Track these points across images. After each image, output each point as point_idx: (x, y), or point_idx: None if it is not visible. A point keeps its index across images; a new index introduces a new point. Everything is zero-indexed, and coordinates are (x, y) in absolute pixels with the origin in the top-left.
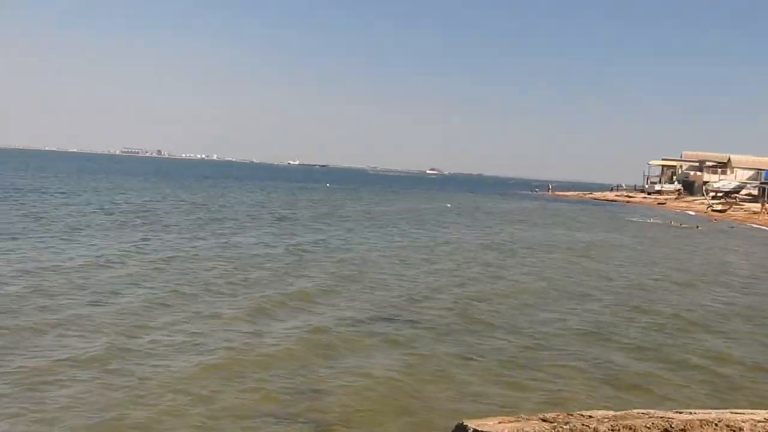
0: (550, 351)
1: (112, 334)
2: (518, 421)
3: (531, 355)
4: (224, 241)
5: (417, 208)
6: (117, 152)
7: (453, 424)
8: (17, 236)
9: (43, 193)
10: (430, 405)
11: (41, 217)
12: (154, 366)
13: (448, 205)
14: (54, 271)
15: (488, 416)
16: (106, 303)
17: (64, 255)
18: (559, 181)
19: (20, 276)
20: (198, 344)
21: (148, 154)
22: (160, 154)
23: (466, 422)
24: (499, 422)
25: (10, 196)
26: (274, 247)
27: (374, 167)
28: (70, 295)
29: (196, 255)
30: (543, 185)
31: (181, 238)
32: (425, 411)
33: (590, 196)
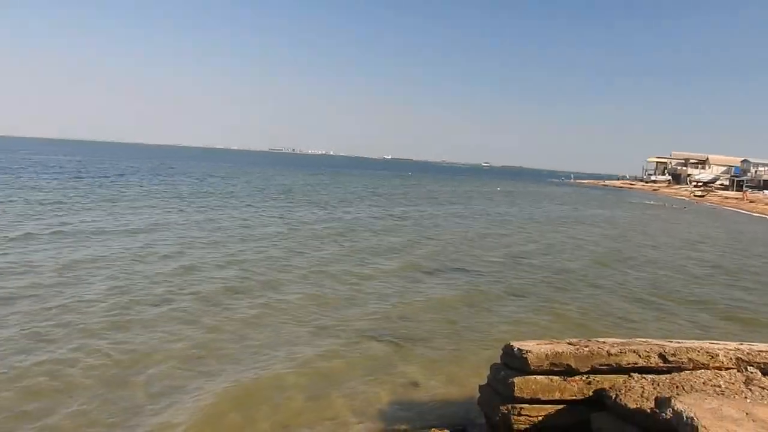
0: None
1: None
2: (550, 343)
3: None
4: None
5: (476, 190)
6: (266, 149)
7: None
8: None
9: (226, 178)
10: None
11: (233, 194)
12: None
13: (498, 189)
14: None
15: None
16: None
17: (254, 217)
18: (577, 172)
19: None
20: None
21: (286, 151)
22: (294, 151)
23: (512, 343)
24: (537, 344)
25: (206, 180)
26: (379, 217)
27: (442, 160)
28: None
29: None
30: (567, 175)
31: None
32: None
33: (602, 183)
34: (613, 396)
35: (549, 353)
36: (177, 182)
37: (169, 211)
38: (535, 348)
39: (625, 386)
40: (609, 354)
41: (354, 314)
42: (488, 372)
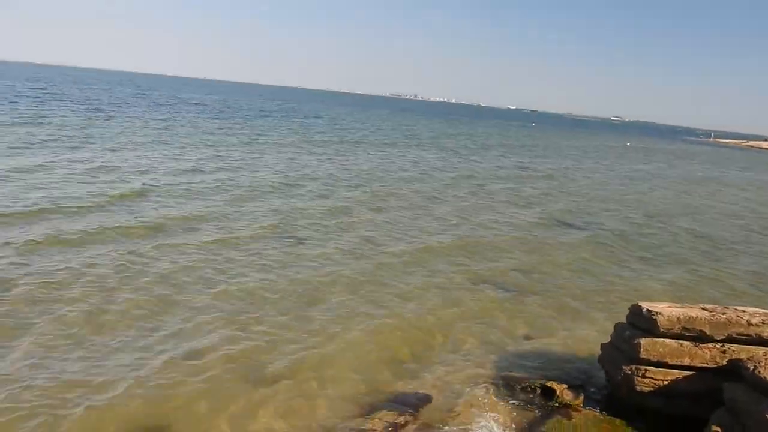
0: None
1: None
2: (683, 307)
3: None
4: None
5: (605, 146)
6: (387, 94)
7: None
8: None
9: (357, 122)
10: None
11: (362, 142)
12: None
13: (628, 144)
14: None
15: (659, 301)
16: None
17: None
18: (717, 131)
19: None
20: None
21: (407, 98)
22: (415, 97)
23: (640, 304)
24: (668, 306)
25: (339, 123)
26: (508, 167)
27: (568, 112)
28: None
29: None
30: (706, 134)
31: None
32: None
33: (746, 144)
34: (752, 368)
35: (681, 317)
36: (311, 124)
37: (312, 154)
38: (665, 310)
39: (767, 359)
40: (749, 324)
41: (488, 263)
42: (612, 331)
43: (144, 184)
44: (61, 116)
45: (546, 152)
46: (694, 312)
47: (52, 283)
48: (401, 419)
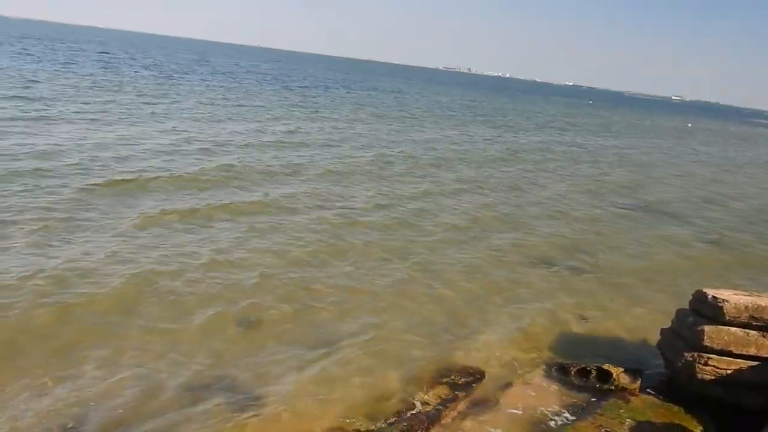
0: None
1: None
2: (751, 295)
3: None
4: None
5: (663, 126)
6: (440, 68)
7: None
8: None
9: (414, 94)
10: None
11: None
12: None
13: (689, 125)
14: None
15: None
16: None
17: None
18: None
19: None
20: None
21: (461, 71)
22: (470, 71)
23: (705, 290)
24: (734, 294)
25: (397, 97)
26: (558, 144)
27: (626, 90)
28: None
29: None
30: None
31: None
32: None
33: None
34: None
35: (749, 305)
36: (370, 96)
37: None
38: (732, 298)
39: None
40: None
41: (547, 240)
42: (673, 316)
43: (238, 159)
44: (135, 82)
45: (603, 131)
46: (764, 301)
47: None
48: (455, 393)
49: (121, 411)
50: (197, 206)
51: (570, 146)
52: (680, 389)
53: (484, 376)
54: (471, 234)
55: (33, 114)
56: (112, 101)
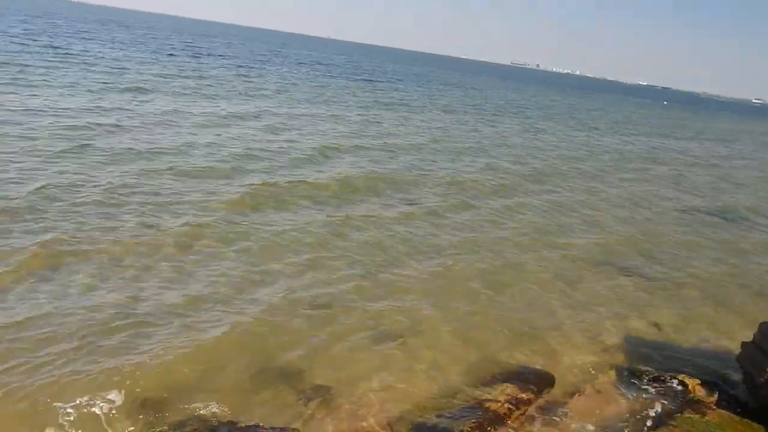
0: None
1: None
2: None
3: None
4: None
5: (746, 130)
6: (508, 63)
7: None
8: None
9: (486, 90)
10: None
11: (480, 108)
12: None
13: None
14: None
15: None
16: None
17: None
18: None
19: None
20: None
21: (530, 67)
22: (538, 67)
23: None
24: None
25: (472, 92)
26: (659, 148)
27: (703, 91)
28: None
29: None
30: None
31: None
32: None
33: None
34: None
35: None
36: (440, 91)
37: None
38: None
39: None
40: None
41: (624, 243)
42: (756, 329)
43: (326, 144)
44: (216, 72)
45: (695, 135)
46: None
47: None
48: (524, 395)
49: (184, 388)
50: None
51: (649, 148)
52: (761, 405)
53: (553, 379)
54: (547, 231)
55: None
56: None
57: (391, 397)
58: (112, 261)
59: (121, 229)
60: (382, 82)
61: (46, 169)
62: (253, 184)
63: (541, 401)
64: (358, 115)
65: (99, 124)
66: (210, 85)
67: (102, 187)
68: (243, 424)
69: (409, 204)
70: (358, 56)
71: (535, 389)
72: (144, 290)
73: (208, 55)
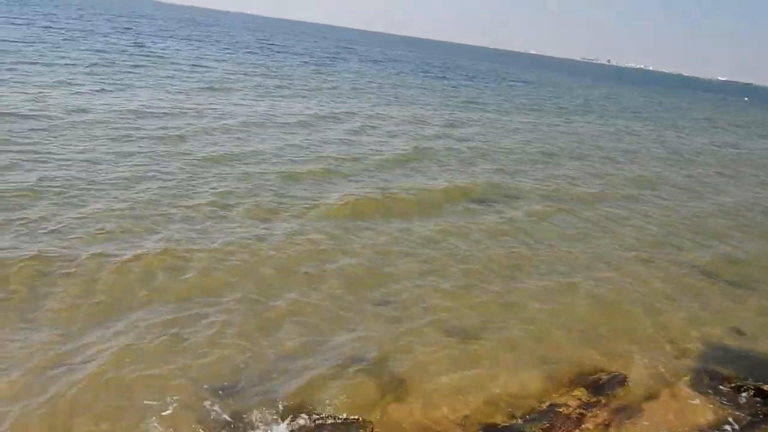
0: None
1: None
2: None
3: None
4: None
5: None
6: (578, 58)
7: None
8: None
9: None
10: None
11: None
12: None
13: None
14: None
15: None
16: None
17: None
18: None
19: None
20: None
21: (601, 63)
22: (609, 62)
23: None
24: None
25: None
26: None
27: None
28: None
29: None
30: None
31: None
32: None
33: None
34: None
35: None
36: (514, 88)
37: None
38: None
39: None
40: None
41: (712, 248)
42: None
43: (416, 147)
44: (295, 71)
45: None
46: None
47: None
48: (595, 399)
49: (258, 375)
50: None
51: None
52: None
53: (628, 383)
54: (632, 236)
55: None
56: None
57: (462, 395)
58: (223, 264)
59: (231, 232)
60: (455, 79)
61: (151, 175)
62: (355, 189)
63: (613, 405)
64: (440, 115)
65: (190, 124)
66: (291, 84)
67: (208, 192)
68: (318, 413)
69: (505, 210)
70: (424, 52)
71: (609, 392)
72: (267, 293)
73: (286, 52)
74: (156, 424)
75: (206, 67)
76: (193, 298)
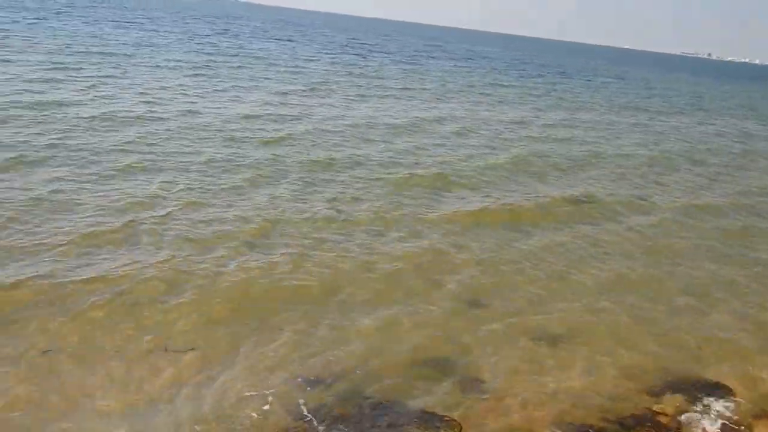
0: None
1: None
2: None
3: None
4: None
5: None
6: (677, 53)
7: None
8: None
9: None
10: None
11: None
12: None
13: None
14: None
15: None
16: None
17: None
18: None
19: None
20: None
21: (701, 57)
22: (709, 56)
23: None
24: None
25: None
26: None
27: None
28: None
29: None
30: None
31: None
32: None
33: None
34: None
35: None
36: (608, 85)
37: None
38: None
39: None
40: None
41: None
42: None
43: (526, 150)
44: (389, 72)
45: None
46: None
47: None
48: (695, 408)
49: (350, 367)
50: None
51: None
52: None
53: (733, 395)
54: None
55: None
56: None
57: (549, 397)
58: (336, 267)
59: (349, 238)
60: (549, 76)
61: (265, 180)
62: (471, 195)
63: (719, 419)
64: (545, 115)
65: (297, 127)
66: (388, 85)
67: (322, 198)
68: (404, 408)
69: (626, 219)
70: (507, 48)
71: (709, 404)
72: (390, 297)
73: (378, 51)
74: (252, 413)
75: (304, 67)
76: (302, 301)
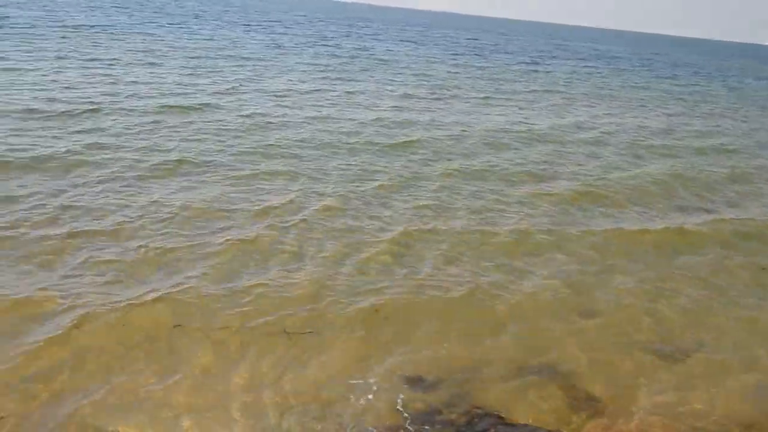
0: None
1: None
2: None
3: None
4: None
5: None
6: (735, 41)
7: None
8: None
9: None
10: None
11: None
12: None
13: None
14: None
15: None
16: None
17: None
18: None
19: None
20: None
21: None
22: None
23: None
24: None
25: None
26: None
27: None
28: None
29: None
30: None
31: None
32: None
33: None
34: None
35: None
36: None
37: None
38: None
39: None
40: None
41: None
42: None
43: (679, 166)
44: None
45: None
46: None
47: None
48: None
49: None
50: None
51: None
52: None
53: None
54: None
55: None
56: None
57: (670, 420)
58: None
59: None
60: (684, 77)
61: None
62: (621, 215)
63: None
64: (691, 124)
65: (428, 134)
66: (515, 89)
67: (472, 212)
68: (512, 420)
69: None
70: (630, 45)
71: None
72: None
73: (500, 52)
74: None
75: (428, 70)
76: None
